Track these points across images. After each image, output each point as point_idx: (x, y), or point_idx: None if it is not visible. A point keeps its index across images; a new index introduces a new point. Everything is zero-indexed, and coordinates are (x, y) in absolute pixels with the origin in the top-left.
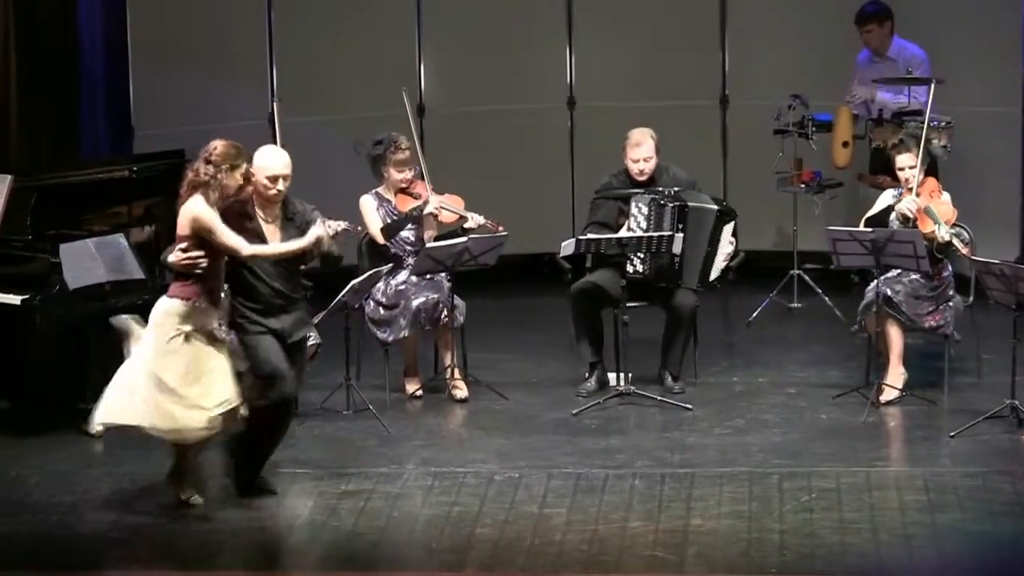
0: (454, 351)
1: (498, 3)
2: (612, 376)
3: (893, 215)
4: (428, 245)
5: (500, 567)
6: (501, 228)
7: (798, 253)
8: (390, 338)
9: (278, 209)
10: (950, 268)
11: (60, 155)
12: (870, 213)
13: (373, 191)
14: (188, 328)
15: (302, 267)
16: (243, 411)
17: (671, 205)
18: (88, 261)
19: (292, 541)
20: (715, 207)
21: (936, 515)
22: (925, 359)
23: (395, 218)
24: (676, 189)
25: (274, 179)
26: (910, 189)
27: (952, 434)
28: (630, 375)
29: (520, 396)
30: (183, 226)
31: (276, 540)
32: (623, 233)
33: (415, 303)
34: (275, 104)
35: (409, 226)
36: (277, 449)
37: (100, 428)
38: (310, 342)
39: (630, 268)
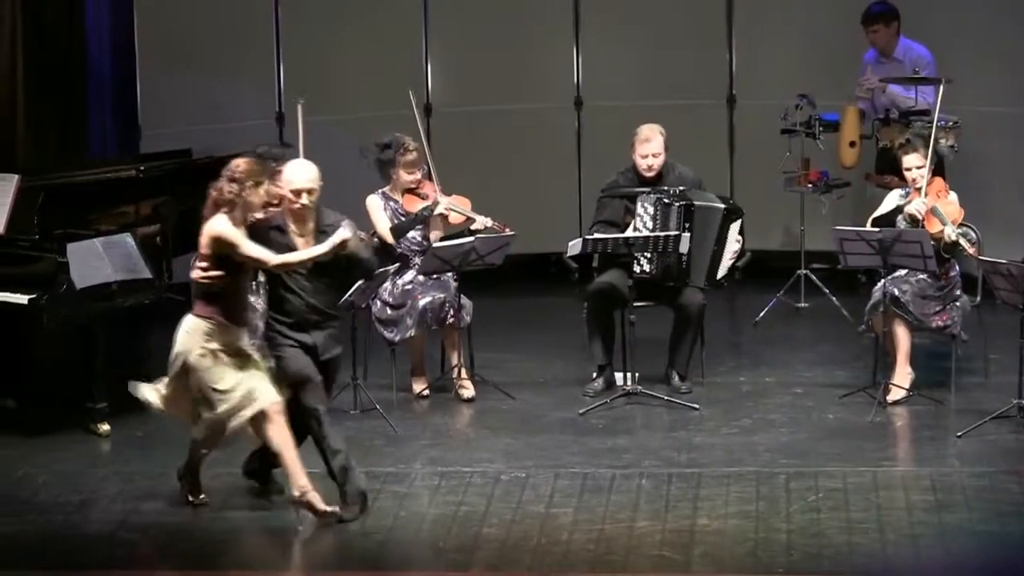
0: (461, 351)
1: (505, 3)
2: (619, 376)
3: (901, 216)
4: (435, 245)
5: (507, 567)
6: (508, 229)
7: (805, 253)
8: (397, 338)
9: (311, 223)
10: (957, 268)
11: (67, 155)
12: (877, 213)
13: (379, 191)
14: (214, 346)
15: (333, 281)
16: (233, 424)
17: (677, 204)
18: (95, 260)
19: (299, 541)
20: (721, 205)
21: (943, 515)
22: (932, 359)
23: (402, 218)
24: (681, 188)
25: (298, 192)
26: (918, 189)
27: (959, 434)
28: (637, 375)
29: (527, 396)
30: (204, 244)
31: (283, 540)
32: (629, 233)
33: (422, 303)
34: (299, 104)
35: (416, 226)
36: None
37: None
38: None
39: (637, 268)
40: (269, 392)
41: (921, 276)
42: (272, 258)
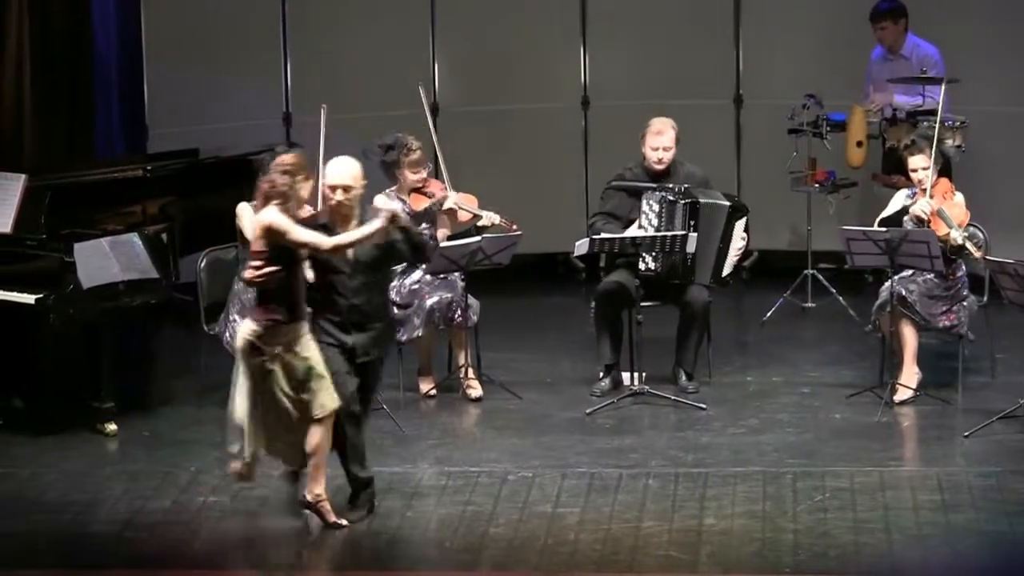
0: (468, 350)
1: (512, 3)
2: (626, 376)
3: (907, 217)
4: (442, 245)
5: (514, 566)
6: (515, 227)
7: (812, 253)
8: (404, 337)
9: (354, 222)
10: (964, 268)
11: (74, 154)
12: (884, 214)
13: (387, 190)
14: (277, 350)
15: (376, 281)
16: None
17: (683, 202)
18: (102, 260)
19: (306, 541)
20: (727, 203)
21: (950, 515)
22: (939, 359)
23: (410, 217)
24: (686, 186)
25: (332, 188)
26: (923, 190)
27: (966, 434)
28: (644, 374)
29: (534, 395)
30: (257, 239)
31: (290, 540)
32: (636, 232)
33: (429, 302)
34: (322, 108)
35: (424, 225)
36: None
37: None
38: None
39: (642, 266)
40: (332, 399)
41: (928, 276)
42: (326, 240)
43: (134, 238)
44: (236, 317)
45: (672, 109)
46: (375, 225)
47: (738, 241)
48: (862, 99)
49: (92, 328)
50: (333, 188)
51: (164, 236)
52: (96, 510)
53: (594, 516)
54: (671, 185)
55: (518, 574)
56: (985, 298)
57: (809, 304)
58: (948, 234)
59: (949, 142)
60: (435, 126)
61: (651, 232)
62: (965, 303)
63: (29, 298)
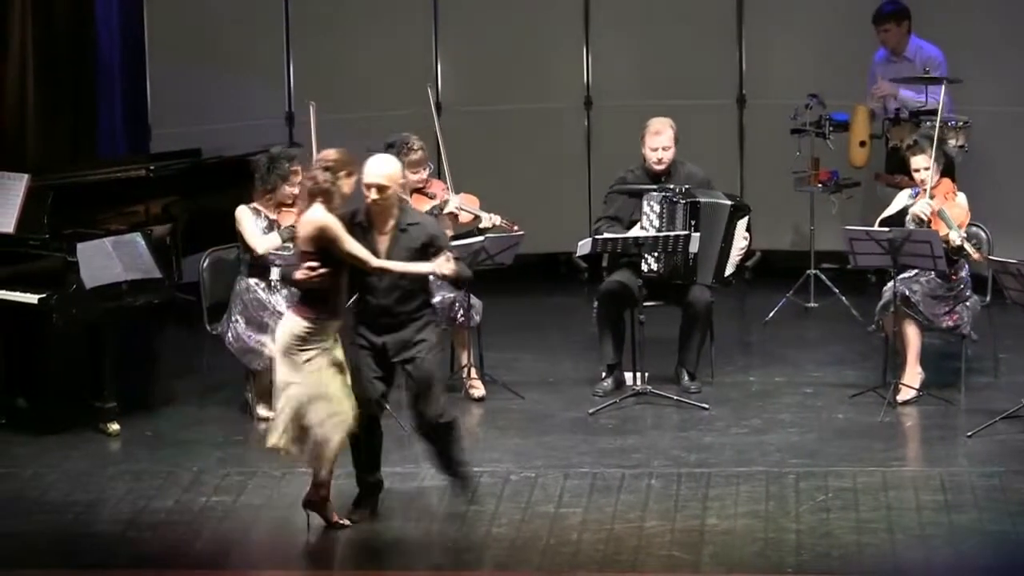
0: (470, 350)
1: (515, 2)
2: (628, 376)
3: (908, 217)
4: None
5: (516, 566)
6: (516, 227)
7: (815, 253)
8: None
9: (391, 220)
10: (967, 268)
11: (77, 154)
12: (885, 214)
13: None
14: (328, 344)
15: (412, 283)
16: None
17: (683, 202)
18: (105, 260)
19: (308, 541)
20: (728, 202)
21: (953, 515)
22: (942, 359)
23: None
24: (687, 186)
25: (367, 187)
26: (925, 190)
27: (969, 434)
28: (646, 374)
29: (536, 395)
30: (307, 238)
31: (292, 539)
32: (639, 232)
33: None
34: (311, 105)
35: None
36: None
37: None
38: None
39: (644, 267)
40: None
41: (931, 276)
42: (372, 261)
43: (137, 238)
44: (238, 317)
45: (675, 109)
46: (426, 267)
47: (740, 241)
48: (865, 99)
49: (95, 328)
50: (368, 187)
51: (167, 236)
52: (99, 510)
53: (597, 516)
54: (672, 186)
55: (520, 574)
56: (988, 298)
57: (812, 304)
58: (948, 235)
59: (952, 142)
60: (438, 126)
61: (653, 233)
62: (968, 303)
63: (32, 298)
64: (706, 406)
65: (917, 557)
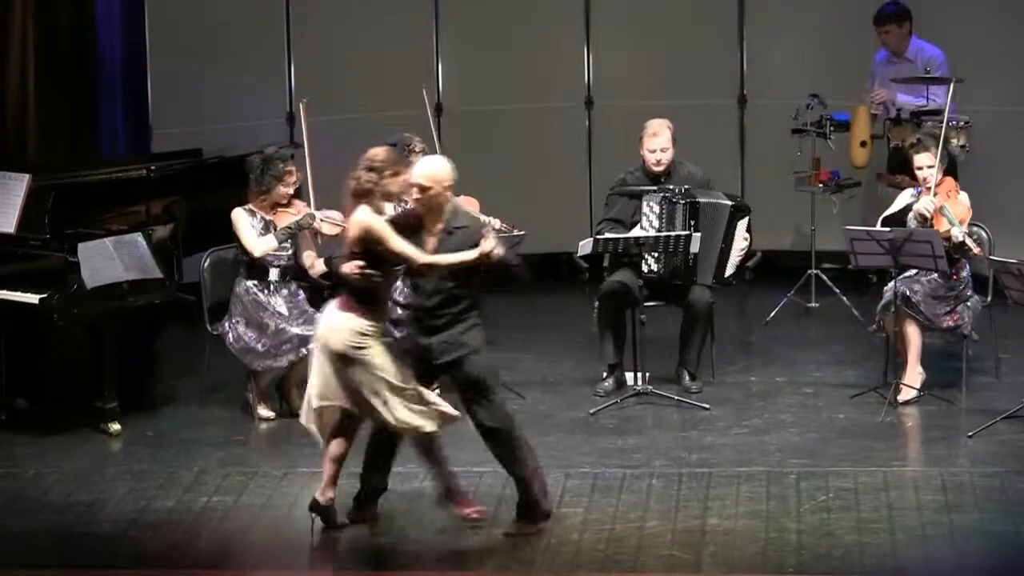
0: None
1: (516, 2)
2: (629, 376)
3: (911, 214)
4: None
5: (517, 567)
6: (516, 230)
7: (816, 252)
8: None
9: (441, 222)
10: (968, 268)
11: (78, 154)
12: (888, 212)
13: None
14: (376, 343)
15: (458, 284)
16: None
17: (683, 202)
18: (106, 260)
19: (309, 541)
20: (728, 203)
21: (954, 515)
22: (943, 359)
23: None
24: (687, 187)
25: (410, 186)
26: (928, 188)
27: (970, 434)
28: (647, 375)
29: (537, 395)
30: (353, 239)
31: (291, 540)
32: (639, 232)
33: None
34: (302, 103)
35: None
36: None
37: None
38: None
39: (644, 268)
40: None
41: (932, 276)
42: (419, 256)
43: (138, 238)
44: (238, 319)
45: (676, 109)
46: (469, 255)
47: (740, 241)
48: (864, 96)
49: (96, 328)
50: (412, 186)
51: (168, 236)
52: (100, 510)
53: (597, 516)
54: (672, 187)
55: (521, 574)
56: (989, 298)
57: (813, 304)
58: (950, 231)
59: (954, 142)
60: (439, 126)
61: (653, 233)
62: (969, 303)
63: (33, 298)
64: (707, 406)
65: (918, 557)
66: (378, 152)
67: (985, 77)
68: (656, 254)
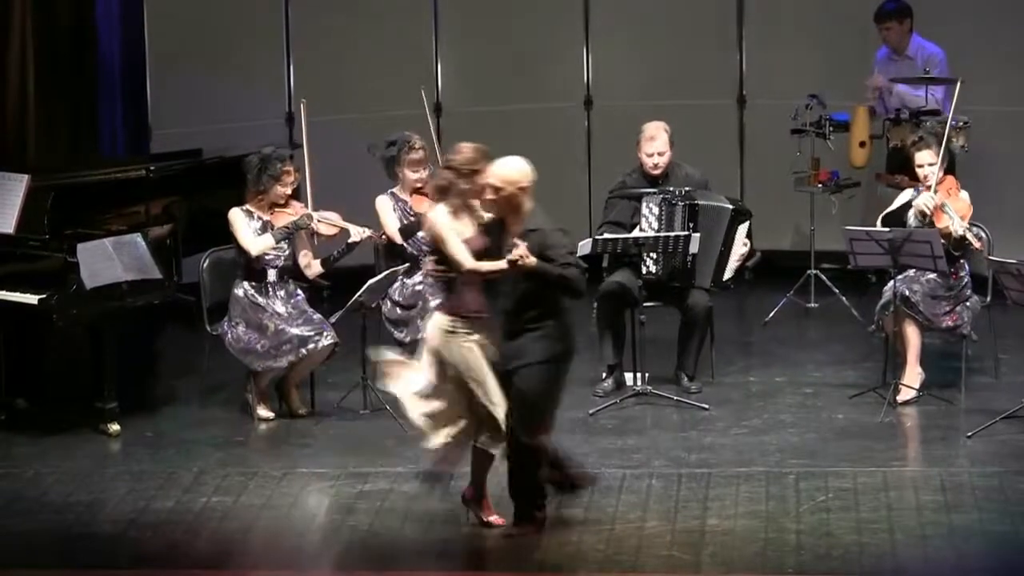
0: None
1: (515, 3)
2: (629, 376)
3: (911, 211)
4: None
5: (517, 566)
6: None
7: (815, 253)
8: (407, 338)
9: (520, 224)
10: (967, 268)
11: (77, 154)
12: (888, 210)
13: (389, 192)
14: (475, 339)
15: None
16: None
17: (682, 204)
18: (105, 261)
19: (309, 541)
20: (729, 206)
21: (953, 515)
22: (942, 359)
23: (411, 218)
24: (687, 189)
25: (486, 187)
26: (928, 186)
27: (969, 434)
28: (647, 375)
29: None
30: (428, 237)
31: (292, 540)
32: (638, 233)
33: (433, 304)
34: (302, 103)
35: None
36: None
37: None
38: (326, 342)
39: (643, 269)
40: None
41: (931, 276)
42: (466, 262)
43: (137, 238)
44: (237, 320)
45: (675, 109)
46: (501, 264)
47: (740, 247)
48: (866, 99)
49: (95, 329)
50: (486, 187)
51: (167, 237)
52: (99, 510)
53: (597, 516)
54: (672, 188)
55: (521, 574)
56: (988, 298)
57: (812, 304)
58: (950, 226)
59: (954, 141)
60: (438, 127)
61: (652, 233)
62: (968, 303)
63: (32, 298)
64: (706, 406)
65: (917, 557)
66: (461, 148)
67: (985, 77)
68: (655, 255)
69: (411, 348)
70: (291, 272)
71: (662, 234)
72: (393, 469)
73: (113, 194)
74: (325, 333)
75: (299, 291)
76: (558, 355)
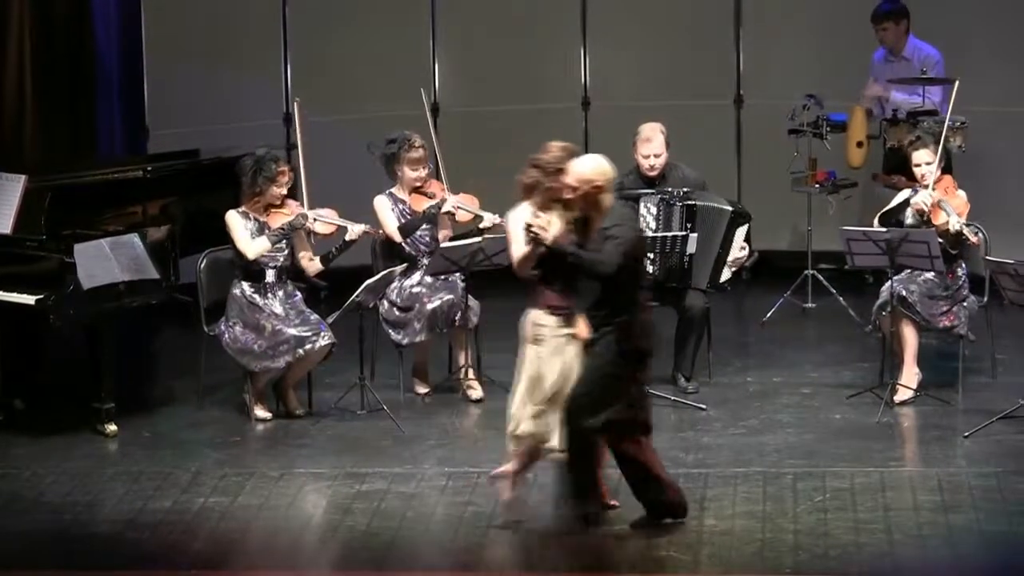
0: (468, 351)
1: (513, 3)
2: None
3: (908, 209)
4: (443, 245)
5: (516, 567)
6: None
7: (812, 253)
8: (404, 341)
9: (601, 221)
10: (964, 268)
11: (75, 155)
12: (886, 208)
13: (387, 191)
14: (563, 332)
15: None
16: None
17: (679, 204)
18: (102, 261)
19: (306, 541)
20: (729, 208)
21: (950, 515)
22: (940, 359)
23: (409, 218)
24: (686, 189)
25: (566, 186)
26: (926, 185)
27: (966, 434)
28: None
29: None
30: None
31: (291, 540)
32: None
33: (430, 307)
34: (295, 103)
35: (424, 226)
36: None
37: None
38: (323, 342)
39: None
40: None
41: (928, 276)
42: (514, 257)
43: (135, 239)
44: (235, 320)
45: (672, 109)
46: (525, 248)
47: (738, 250)
48: (861, 97)
49: (92, 329)
50: (566, 186)
51: (165, 237)
52: (97, 511)
53: None
54: (670, 189)
55: (519, 575)
56: (985, 298)
57: (809, 304)
58: (947, 222)
59: (951, 141)
60: (436, 127)
61: (649, 234)
62: (965, 303)
63: (29, 299)
64: (703, 407)
65: (915, 557)
66: (549, 147)
67: (982, 77)
68: (652, 256)
69: (408, 350)
70: (290, 272)
71: (659, 234)
72: (390, 469)
73: (110, 194)
74: (322, 333)
75: (297, 292)
76: (624, 353)
